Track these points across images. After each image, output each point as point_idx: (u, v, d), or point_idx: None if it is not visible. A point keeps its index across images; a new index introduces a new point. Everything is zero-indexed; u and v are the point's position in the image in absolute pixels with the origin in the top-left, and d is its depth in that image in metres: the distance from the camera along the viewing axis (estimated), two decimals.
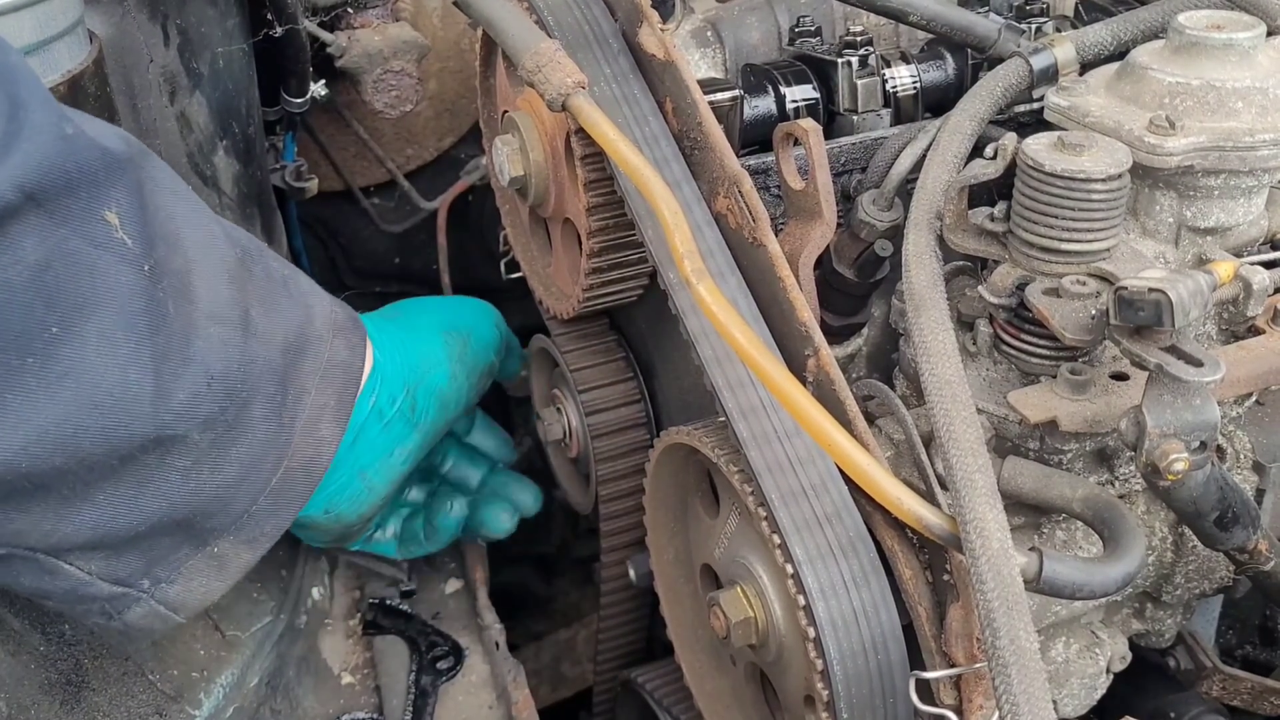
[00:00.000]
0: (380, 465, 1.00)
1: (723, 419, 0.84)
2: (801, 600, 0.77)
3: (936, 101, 1.06)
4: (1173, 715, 1.03)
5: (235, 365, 0.81)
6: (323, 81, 1.45)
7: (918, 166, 0.93)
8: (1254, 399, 0.92)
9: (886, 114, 1.04)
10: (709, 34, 1.11)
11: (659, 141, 0.90)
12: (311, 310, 0.90)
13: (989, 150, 0.85)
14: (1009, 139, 0.85)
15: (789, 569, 0.78)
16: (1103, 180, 0.81)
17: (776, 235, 0.87)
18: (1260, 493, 0.91)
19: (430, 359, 1.05)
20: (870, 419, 0.88)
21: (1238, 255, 0.90)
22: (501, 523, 1.20)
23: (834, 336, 1.00)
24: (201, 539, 0.83)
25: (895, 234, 0.94)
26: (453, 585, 1.32)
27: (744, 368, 0.81)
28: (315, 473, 0.89)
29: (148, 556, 0.81)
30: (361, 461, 0.98)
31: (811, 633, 0.77)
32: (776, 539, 0.78)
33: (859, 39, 1.03)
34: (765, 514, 0.79)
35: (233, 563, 0.86)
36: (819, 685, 0.78)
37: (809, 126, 0.87)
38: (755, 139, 1.02)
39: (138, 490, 0.79)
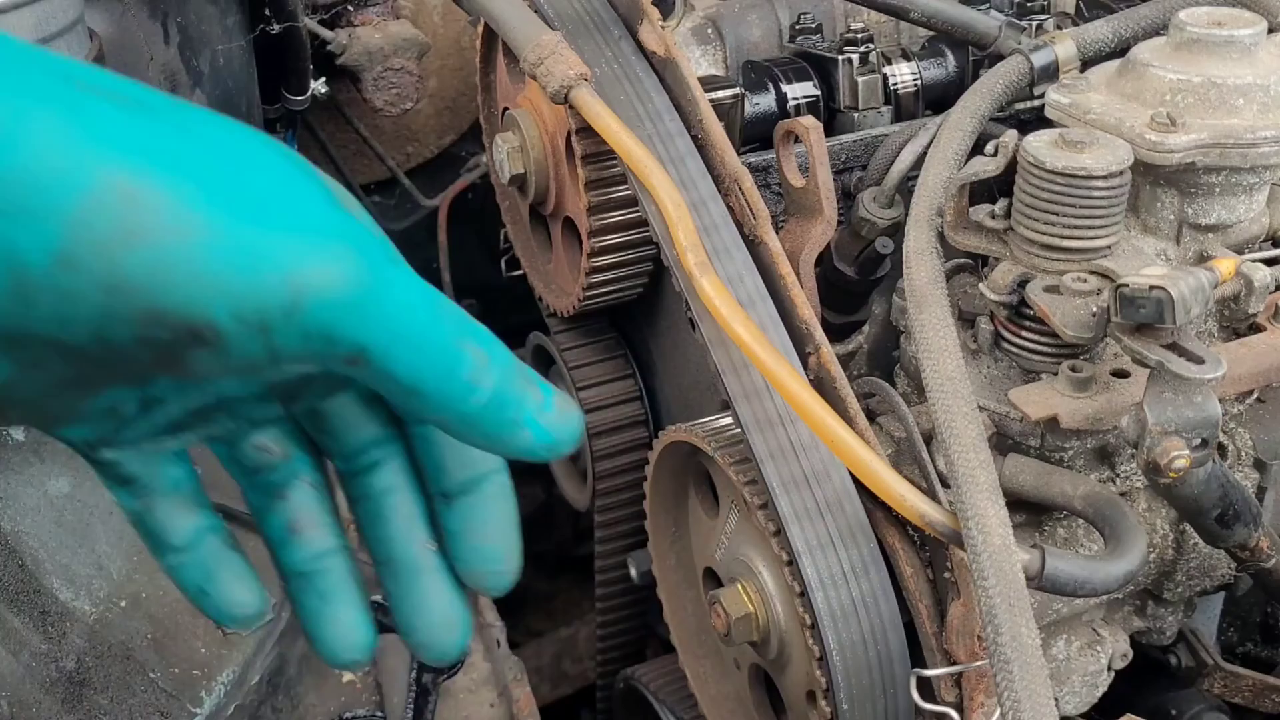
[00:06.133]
0: None
1: (718, 413, 0.84)
2: (797, 587, 0.77)
3: (937, 99, 1.06)
4: (1174, 713, 1.02)
5: None
6: (323, 79, 1.45)
7: (918, 164, 0.92)
8: (1255, 396, 0.92)
9: (887, 111, 1.04)
10: (709, 31, 1.11)
11: (662, 117, 0.89)
12: None
13: (990, 147, 0.85)
14: (1010, 136, 0.84)
15: (784, 556, 0.78)
16: (1104, 177, 0.81)
17: (777, 233, 0.87)
18: (1261, 490, 0.91)
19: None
20: (871, 416, 0.88)
21: (1239, 252, 0.90)
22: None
23: (834, 334, 1.00)
24: None
25: (896, 231, 0.94)
26: None
27: None
28: None
29: None
30: None
31: (808, 619, 0.77)
32: (772, 526, 0.78)
33: (860, 36, 1.03)
34: (761, 504, 0.79)
35: None
36: (818, 673, 0.78)
37: (810, 124, 0.87)
38: (756, 136, 1.02)
39: None
